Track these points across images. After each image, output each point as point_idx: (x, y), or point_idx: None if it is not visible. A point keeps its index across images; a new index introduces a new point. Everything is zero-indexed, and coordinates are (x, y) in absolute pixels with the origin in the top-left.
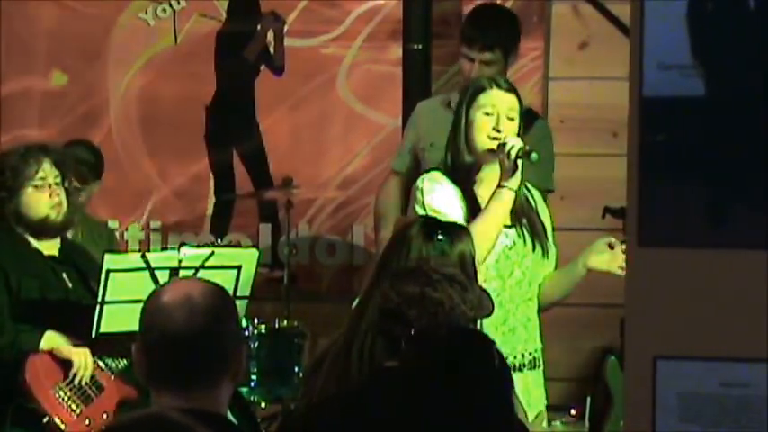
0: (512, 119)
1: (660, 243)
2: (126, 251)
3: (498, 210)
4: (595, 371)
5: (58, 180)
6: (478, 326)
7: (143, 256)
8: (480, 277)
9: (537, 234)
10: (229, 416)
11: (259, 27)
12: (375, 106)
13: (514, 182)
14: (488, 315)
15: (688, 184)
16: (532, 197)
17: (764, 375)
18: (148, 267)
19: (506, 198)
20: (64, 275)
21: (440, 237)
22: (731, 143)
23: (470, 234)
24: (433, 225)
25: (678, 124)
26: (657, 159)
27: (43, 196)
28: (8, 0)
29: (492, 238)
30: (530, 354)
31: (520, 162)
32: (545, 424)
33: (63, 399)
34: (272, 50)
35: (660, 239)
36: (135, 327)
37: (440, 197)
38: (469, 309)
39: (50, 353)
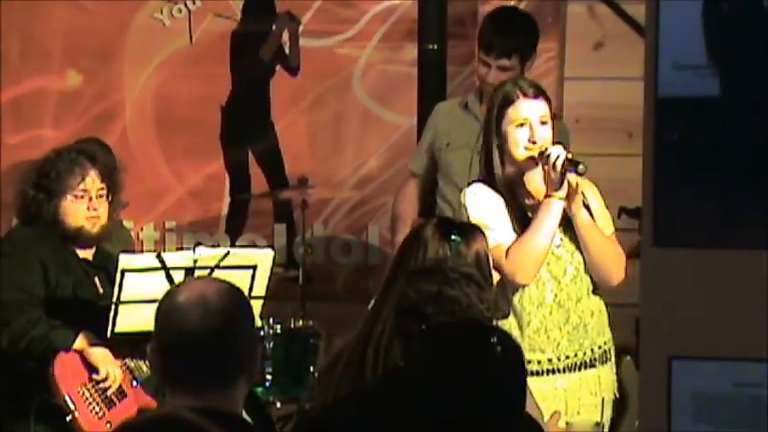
0: (545, 123)
1: (675, 243)
2: (141, 251)
3: (549, 221)
4: None
5: (102, 193)
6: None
7: (158, 256)
8: (533, 283)
9: None
10: (244, 416)
11: (274, 27)
12: (390, 106)
13: (563, 192)
14: (504, 317)
15: (703, 184)
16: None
17: None
18: (163, 267)
19: (555, 209)
20: (96, 280)
21: (455, 237)
22: (746, 143)
23: (484, 233)
24: (447, 225)
25: (693, 124)
26: (672, 159)
27: (81, 207)
28: (24, 0)
29: (544, 250)
30: (599, 348)
31: (566, 173)
32: (561, 423)
33: (88, 399)
34: (287, 50)
35: (675, 239)
36: (150, 327)
37: (484, 211)
38: (486, 309)
39: (81, 352)
